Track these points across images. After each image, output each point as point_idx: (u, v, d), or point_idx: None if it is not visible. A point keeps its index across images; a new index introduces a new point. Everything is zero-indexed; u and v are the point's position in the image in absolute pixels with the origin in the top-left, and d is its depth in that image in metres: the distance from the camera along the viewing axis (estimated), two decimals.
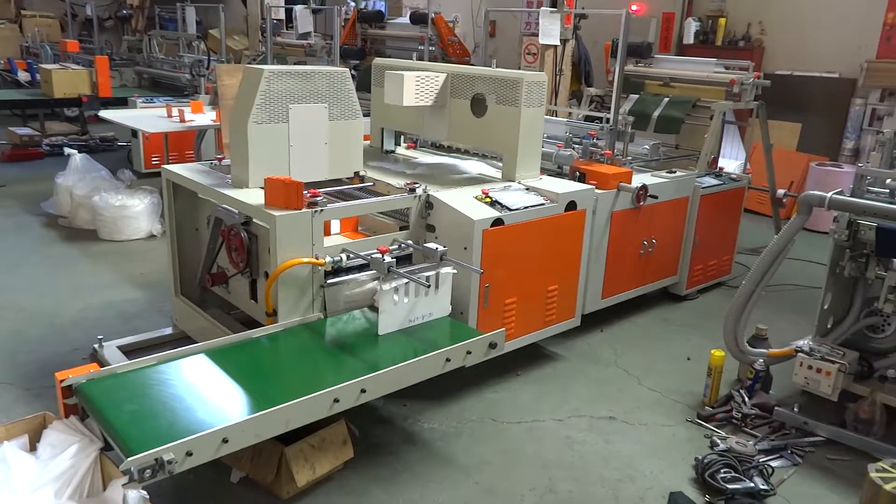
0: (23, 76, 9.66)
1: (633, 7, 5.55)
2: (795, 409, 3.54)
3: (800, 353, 3.52)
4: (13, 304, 4.58)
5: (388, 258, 3.00)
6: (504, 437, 3.39)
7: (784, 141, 7.90)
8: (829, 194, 3.36)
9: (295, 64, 8.61)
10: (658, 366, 4.19)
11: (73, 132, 9.76)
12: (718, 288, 5.48)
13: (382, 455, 3.18)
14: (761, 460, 3.18)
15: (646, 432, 3.50)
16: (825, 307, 3.68)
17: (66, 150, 6.75)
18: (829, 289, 3.66)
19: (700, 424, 3.57)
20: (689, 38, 9.18)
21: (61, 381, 2.52)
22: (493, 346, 3.02)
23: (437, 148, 4.77)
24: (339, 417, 2.91)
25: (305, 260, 3.01)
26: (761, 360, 3.71)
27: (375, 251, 3.06)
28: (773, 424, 3.54)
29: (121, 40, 11.83)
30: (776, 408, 3.57)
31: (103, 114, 6.86)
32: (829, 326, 3.74)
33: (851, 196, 3.50)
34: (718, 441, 3.35)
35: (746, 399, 3.62)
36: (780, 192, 5.89)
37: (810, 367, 3.47)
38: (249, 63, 9.20)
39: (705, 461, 3.11)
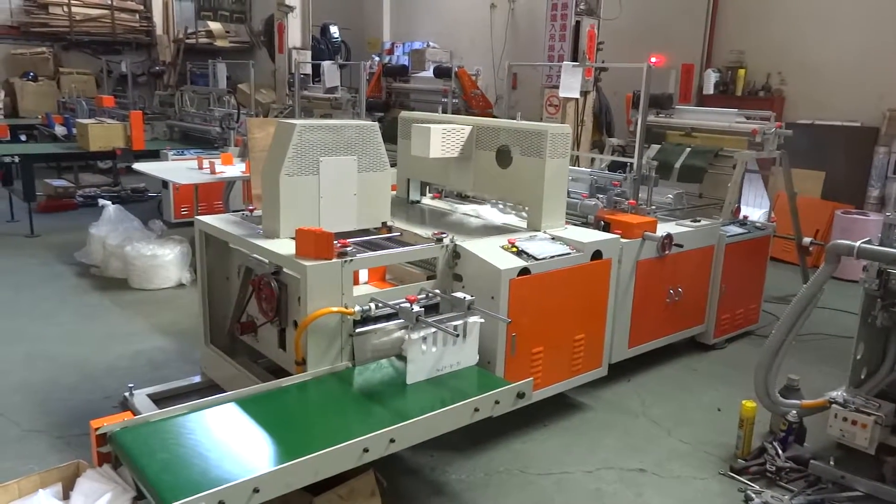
0: (59, 130, 10.00)
1: (653, 59, 5.67)
2: (831, 463, 3.45)
3: (834, 405, 3.46)
4: (46, 353, 4.66)
5: (416, 307, 3.03)
6: (532, 488, 3.34)
7: (808, 189, 7.89)
8: (858, 243, 3.34)
9: (321, 116, 8.86)
10: (687, 416, 4.13)
11: (106, 184, 10.05)
12: (746, 337, 5.42)
13: None
14: None
15: (677, 485, 3.43)
16: (858, 357, 3.62)
17: (101, 202, 6.94)
18: (861, 339, 3.60)
19: (733, 478, 3.49)
20: (709, 89, 9.28)
21: (96, 429, 2.55)
22: (521, 395, 3.00)
23: (463, 198, 4.84)
24: (368, 468, 2.90)
25: (335, 309, 3.05)
26: (794, 412, 3.64)
27: (404, 300, 3.10)
28: (808, 478, 3.45)
29: (153, 95, 12.23)
30: (811, 461, 3.48)
31: (137, 166, 7.06)
32: (862, 377, 3.67)
33: (880, 245, 3.48)
34: (753, 495, 3.27)
35: (780, 451, 3.55)
36: (807, 240, 5.86)
37: (845, 419, 3.39)
38: (277, 116, 9.46)
39: None
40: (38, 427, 3.71)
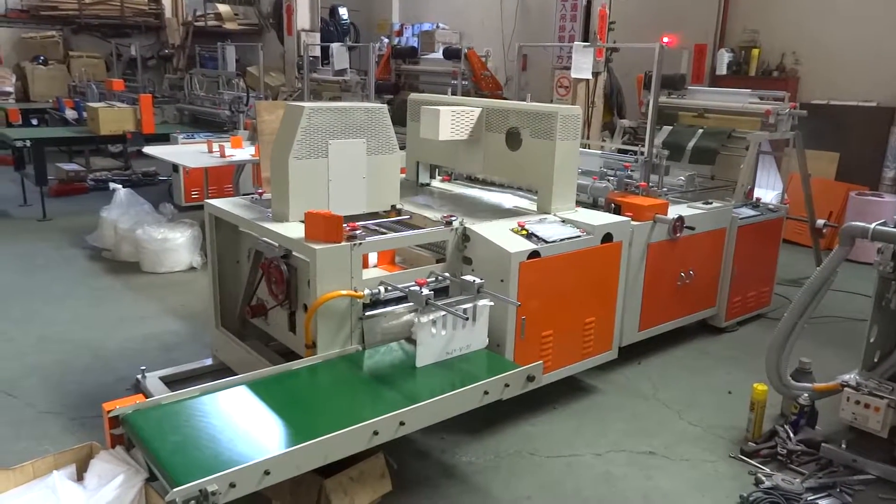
0: (70, 114, 10.02)
1: (665, 39, 5.58)
2: (843, 446, 3.44)
3: (846, 388, 3.44)
4: (59, 336, 4.70)
5: (425, 290, 3.02)
6: (542, 471, 3.35)
7: (822, 170, 7.80)
8: (873, 226, 3.30)
9: (330, 99, 8.82)
10: (698, 399, 4.12)
11: (117, 167, 10.08)
12: (758, 320, 5.38)
13: (420, 489, 3.17)
14: (809, 499, 3.09)
15: (687, 468, 3.43)
16: (871, 340, 3.59)
17: (111, 185, 6.96)
18: (874, 321, 3.57)
19: (744, 460, 3.48)
20: (722, 69, 9.16)
21: (108, 411, 2.58)
22: (531, 378, 3.00)
23: (472, 181, 4.82)
24: (378, 450, 2.91)
25: (344, 292, 3.05)
26: (806, 395, 3.62)
27: (413, 284, 3.09)
28: (820, 461, 3.44)
29: (163, 78, 12.21)
30: (823, 444, 3.47)
31: (147, 150, 7.07)
32: (875, 360, 3.63)
33: (895, 227, 3.43)
34: (764, 478, 3.27)
35: (791, 435, 3.53)
36: (820, 222, 5.80)
37: (858, 403, 3.38)
38: (286, 99, 9.42)
39: (751, 499, 3.04)
40: (52, 409, 3.75)
